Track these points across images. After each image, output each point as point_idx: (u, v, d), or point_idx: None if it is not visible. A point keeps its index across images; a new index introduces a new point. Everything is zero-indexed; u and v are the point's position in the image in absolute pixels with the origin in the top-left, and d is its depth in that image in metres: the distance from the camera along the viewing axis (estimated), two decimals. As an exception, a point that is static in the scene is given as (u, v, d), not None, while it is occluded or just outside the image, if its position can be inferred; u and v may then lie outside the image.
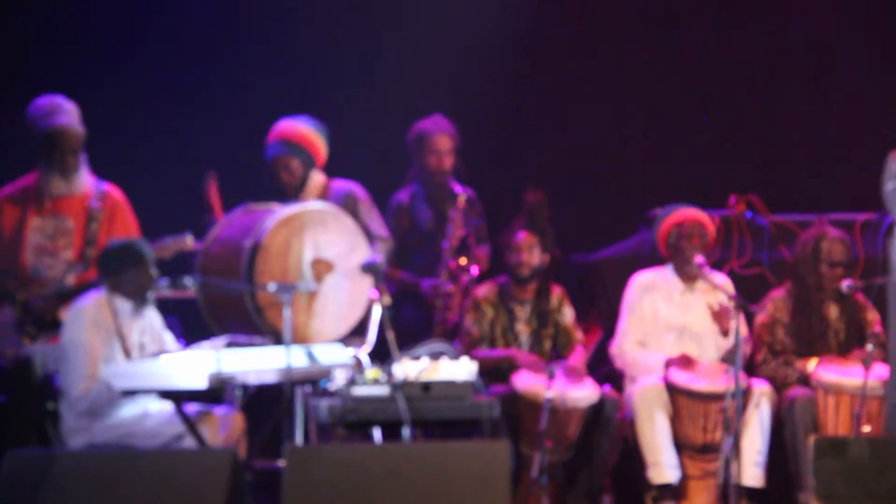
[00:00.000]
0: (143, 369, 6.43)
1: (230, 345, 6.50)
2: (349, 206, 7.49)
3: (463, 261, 7.85)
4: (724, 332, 7.42)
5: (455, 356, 6.41)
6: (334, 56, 8.89)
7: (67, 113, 7.24)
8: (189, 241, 7.12)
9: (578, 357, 7.56)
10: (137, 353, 6.76)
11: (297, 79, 8.76)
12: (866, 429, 7.07)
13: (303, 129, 7.49)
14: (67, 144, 7.22)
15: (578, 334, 7.67)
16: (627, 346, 7.61)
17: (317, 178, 7.56)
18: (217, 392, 6.39)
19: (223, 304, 6.99)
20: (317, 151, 7.51)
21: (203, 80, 8.74)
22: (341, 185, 7.60)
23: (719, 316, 7.46)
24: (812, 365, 7.49)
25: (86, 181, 7.32)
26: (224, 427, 6.63)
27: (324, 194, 7.52)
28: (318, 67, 8.84)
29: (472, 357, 7.22)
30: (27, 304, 7.14)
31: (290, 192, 7.45)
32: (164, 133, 8.65)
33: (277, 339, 6.74)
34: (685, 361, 7.47)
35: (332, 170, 7.66)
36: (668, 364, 7.48)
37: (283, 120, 7.55)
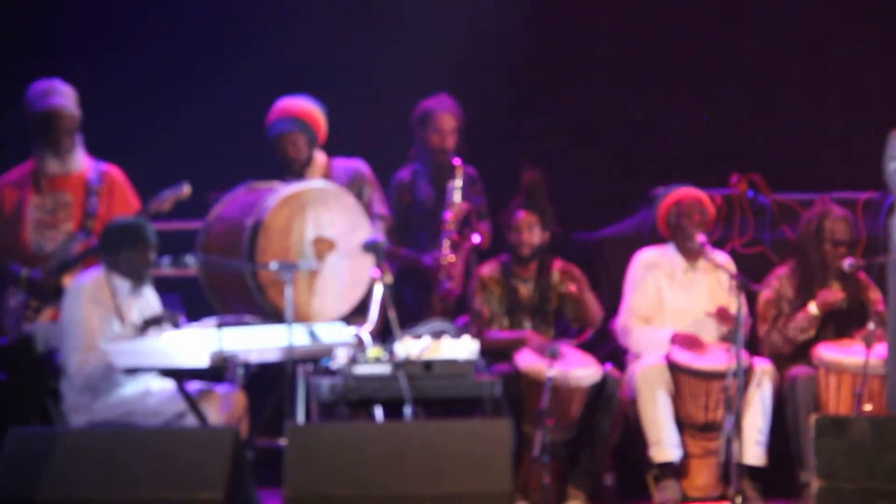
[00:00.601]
0: (145, 347, 6.46)
1: (220, 325, 6.51)
2: (357, 184, 7.50)
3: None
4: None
5: (457, 335, 6.42)
6: (335, 34, 8.89)
7: (62, 94, 7.26)
8: (186, 190, 7.16)
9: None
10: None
11: (298, 58, 8.77)
12: (868, 407, 7.09)
13: (307, 106, 7.50)
14: (62, 125, 7.24)
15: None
16: (632, 322, 7.63)
17: (320, 158, 7.57)
18: (219, 370, 6.41)
19: (225, 282, 7.01)
20: (320, 129, 7.52)
21: (204, 59, 8.75)
22: (346, 163, 7.61)
23: (721, 318, 7.47)
24: (812, 307, 7.48)
25: (82, 161, 7.35)
26: (226, 405, 6.66)
27: (327, 172, 7.53)
28: (318, 46, 8.84)
29: (484, 339, 7.26)
30: (29, 277, 7.17)
31: (296, 169, 7.45)
32: (164, 114, 8.66)
33: (279, 318, 6.75)
34: (691, 342, 7.48)
35: (334, 148, 7.66)
36: (674, 340, 7.49)
37: (284, 98, 7.54)
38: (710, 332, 7.63)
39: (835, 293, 7.51)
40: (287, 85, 7.79)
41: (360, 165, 7.60)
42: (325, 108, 7.53)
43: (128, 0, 8.81)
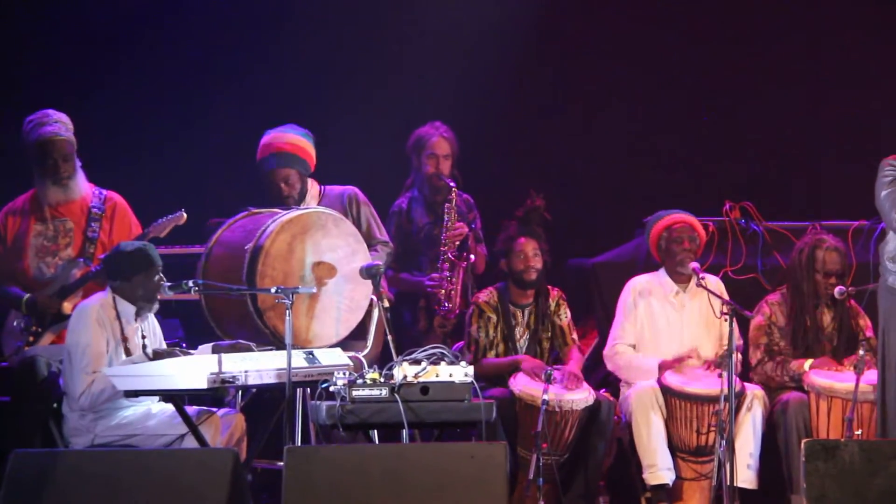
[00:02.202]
0: (146, 371, 6.51)
1: (215, 350, 6.58)
2: (351, 207, 7.54)
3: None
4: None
5: (454, 360, 6.48)
6: (331, 63, 8.95)
7: (54, 122, 7.30)
8: (183, 217, 7.23)
9: (576, 362, 7.64)
10: (139, 354, 6.82)
11: (295, 85, 8.82)
12: (858, 432, 7.14)
13: (294, 139, 7.51)
14: (58, 151, 7.28)
15: (575, 336, 7.75)
16: (620, 348, 7.69)
17: (314, 188, 7.61)
18: (218, 393, 6.46)
19: (225, 307, 7.07)
20: (310, 158, 7.55)
21: (202, 86, 8.80)
22: (339, 189, 7.65)
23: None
24: (807, 365, 7.57)
25: (83, 187, 7.39)
26: (225, 427, 6.70)
27: (323, 202, 7.56)
28: (315, 74, 8.89)
29: (481, 365, 7.34)
30: (29, 301, 7.22)
31: (291, 203, 7.48)
32: (164, 140, 8.71)
33: (278, 342, 6.81)
34: (678, 362, 7.56)
35: (331, 178, 7.71)
36: (662, 367, 7.56)
37: (271, 132, 7.54)
38: (703, 352, 7.69)
39: (832, 365, 7.56)
40: (285, 112, 7.85)
41: (354, 189, 7.64)
42: (312, 135, 7.54)
43: (126, 29, 8.86)
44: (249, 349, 6.64)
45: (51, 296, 7.23)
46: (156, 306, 6.85)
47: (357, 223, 7.39)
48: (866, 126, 8.83)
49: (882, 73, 8.93)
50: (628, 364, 7.64)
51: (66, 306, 7.18)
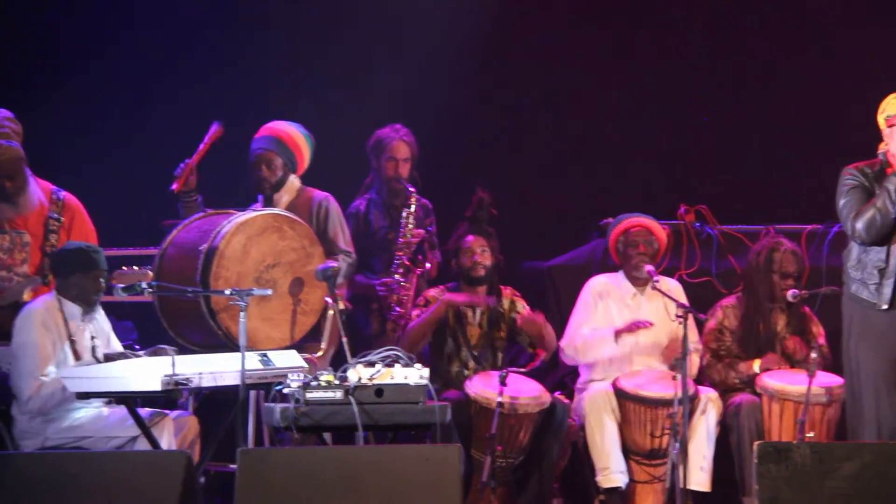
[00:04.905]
0: (98, 373, 6.48)
1: (157, 352, 6.56)
2: (319, 211, 7.51)
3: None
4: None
5: (408, 362, 6.48)
6: (292, 64, 8.94)
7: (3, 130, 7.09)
8: (149, 276, 7.11)
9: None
10: (88, 356, 6.79)
11: (255, 86, 8.82)
12: (810, 435, 7.19)
13: (293, 131, 7.54)
14: (4, 171, 7.03)
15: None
16: (576, 334, 7.69)
17: (294, 183, 7.59)
18: (172, 395, 6.43)
19: (179, 308, 7.04)
20: (301, 157, 7.55)
21: (160, 86, 8.78)
22: (315, 192, 7.62)
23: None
24: (756, 365, 7.61)
25: (36, 196, 7.17)
26: (178, 430, 6.68)
27: (297, 199, 7.54)
28: (275, 76, 8.89)
29: (408, 334, 7.33)
30: None
31: (266, 190, 7.49)
32: (119, 140, 8.68)
33: (231, 343, 6.79)
34: (633, 327, 7.56)
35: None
36: (618, 333, 7.56)
37: (275, 120, 7.58)
38: (658, 358, 7.72)
39: (781, 363, 7.61)
40: (245, 113, 7.84)
41: (326, 197, 7.60)
42: (314, 139, 7.56)
43: (82, 29, 8.82)
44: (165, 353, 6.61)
45: (2, 307, 7.09)
46: (96, 308, 6.80)
47: (323, 229, 7.39)
48: (821, 130, 8.90)
49: (838, 78, 8.99)
50: (585, 342, 7.62)
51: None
